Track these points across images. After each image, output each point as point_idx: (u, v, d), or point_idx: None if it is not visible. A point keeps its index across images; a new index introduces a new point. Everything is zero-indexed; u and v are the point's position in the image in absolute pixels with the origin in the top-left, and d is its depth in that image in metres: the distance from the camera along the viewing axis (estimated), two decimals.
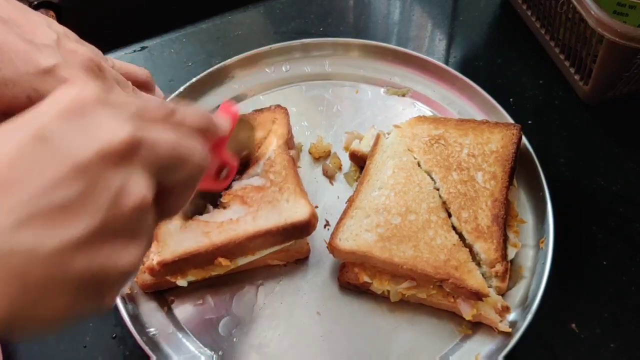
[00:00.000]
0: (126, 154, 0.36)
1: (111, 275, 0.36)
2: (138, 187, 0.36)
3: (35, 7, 1.09)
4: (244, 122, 0.62)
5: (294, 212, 0.67)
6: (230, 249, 0.66)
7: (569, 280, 0.72)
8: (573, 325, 0.69)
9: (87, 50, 0.56)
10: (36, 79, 0.50)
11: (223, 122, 0.50)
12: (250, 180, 0.71)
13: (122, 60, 0.91)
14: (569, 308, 0.70)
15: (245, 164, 0.71)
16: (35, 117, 0.35)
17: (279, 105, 0.80)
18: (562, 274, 0.70)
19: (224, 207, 0.68)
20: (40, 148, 0.33)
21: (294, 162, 0.75)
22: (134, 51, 0.94)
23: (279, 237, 0.67)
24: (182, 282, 0.67)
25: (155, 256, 0.65)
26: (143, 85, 0.65)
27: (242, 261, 0.68)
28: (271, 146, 0.74)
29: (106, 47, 0.85)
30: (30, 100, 0.50)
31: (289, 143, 0.76)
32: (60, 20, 1.09)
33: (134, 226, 0.37)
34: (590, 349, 0.68)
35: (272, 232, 0.66)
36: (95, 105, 0.36)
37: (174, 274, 0.67)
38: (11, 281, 0.31)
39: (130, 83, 0.62)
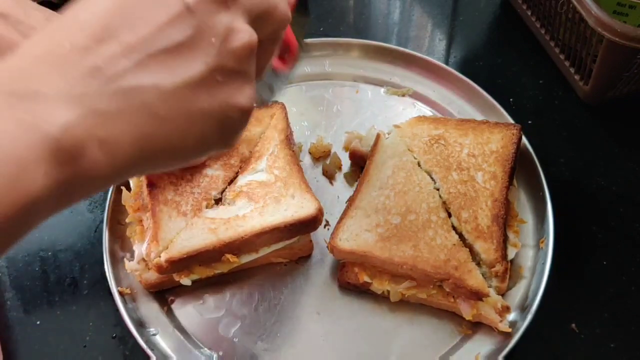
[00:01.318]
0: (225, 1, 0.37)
1: (232, 113, 0.38)
2: (241, 31, 0.38)
3: None
4: (302, 2, 0.62)
5: (301, 207, 0.67)
6: (238, 246, 0.66)
7: (569, 280, 0.72)
8: (573, 325, 0.69)
9: None
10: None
11: None
12: (255, 176, 0.71)
13: None
14: (569, 308, 0.70)
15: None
16: None
17: (275, 101, 0.80)
18: (562, 274, 0.70)
19: (230, 204, 0.69)
20: None
21: (297, 157, 0.75)
22: None
23: (285, 232, 0.67)
24: (185, 281, 0.67)
25: (163, 254, 0.65)
26: None
27: (245, 259, 0.68)
28: (273, 141, 0.74)
29: None
30: None
31: (290, 139, 0.76)
32: None
33: (245, 67, 0.38)
34: (590, 349, 0.68)
35: (279, 228, 0.66)
36: None
37: (181, 271, 0.67)
38: (140, 112, 0.33)
39: None
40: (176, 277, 0.67)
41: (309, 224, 0.68)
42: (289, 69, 0.63)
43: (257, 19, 0.40)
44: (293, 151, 0.75)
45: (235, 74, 0.38)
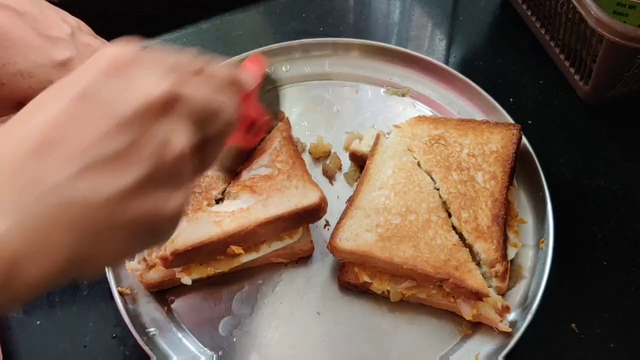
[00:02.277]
0: (166, 107, 0.38)
1: (160, 220, 0.38)
2: (179, 137, 0.39)
3: None
4: (269, 79, 0.63)
5: (304, 196, 0.68)
6: (242, 237, 0.66)
7: (569, 280, 0.72)
8: (573, 325, 0.69)
9: (100, 43, 0.57)
10: (52, 71, 0.51)
11: (249, 76, 0.53)
12: (258, 170, 0.71)
13: None
14: (569, 308, 0.70)
15: (276, 111, 0.71)
16: (78, 77, 0.37)
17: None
18: (562, 274, 0.71)
19: (234, 198, 0.69)
20: (87, 106, 0.36)
21: (299, 152, 0.75)
22: None
23: (290, 222, 0.67)
24: (186, 280, 0.67)
25: (168, 246, 0.65)
26: None
27: (246, 258, 0.68)
28: (276, 139, 0.74)
29: None
30: None
31: (292, 138, 0.77)
32: None
33: (178, 174, 0.39)
34: (590, 349, 0.68)
35: (283, 217, 0.66)
36: (133, 63, 0.39)
37: (186, 264, 0.67)
38: (71, 230, 0.34)
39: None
40: (177, 275, 0.67)
41: (313, 213, 0.68)
42: (256, 143, 0.65)
43: (200, 122, 0.41)
44: (296, 145, 0.75)
45: (167, 182, 0.38)
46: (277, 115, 0.72)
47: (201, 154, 0.42)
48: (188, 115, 0.40)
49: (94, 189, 0.35)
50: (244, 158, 0.71)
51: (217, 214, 0.67)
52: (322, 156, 0.80)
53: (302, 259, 0.72)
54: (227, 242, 0.66)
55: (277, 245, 0.69)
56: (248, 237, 0.67)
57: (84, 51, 0.55)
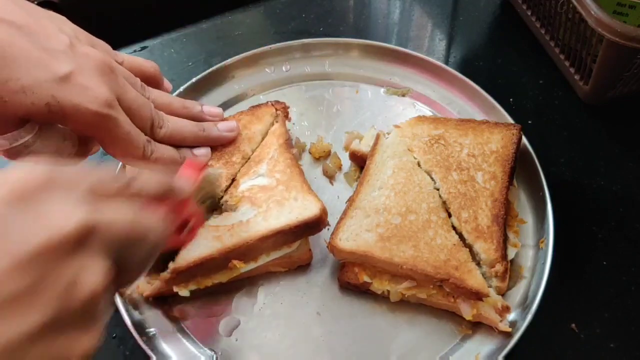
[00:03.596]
0: (79, 242, 0.34)
1: None
2: (92, 275, 0.35)
3: None
4: (209, 176, 0.62)
5: (304, 209, 0.67)
6: (244, 251, 0.66)
7: (569, 280, 0.72)
8: (573, 325, 0.69)
9: (98, 53, 0.56)
10: (54, 87, 0.50)
11: (184, 184, 0.49)
12: (256, 181, 0.70)
13: None
14: (569, 308, 0.70)
15: (212, 207, 0.69)
16: None
17: (277, 101, 0.80)
18: (562, 274, 0.71)
19: (233, 210, 0.68)
20: None
21: (296, 160, 0.75)
22: (134, 51, 0.94)
23: (291, 235, 0.67)
24: (184, 292, 0.66)
25: (170, 265, 0.64)
26: (151, 79, 0.67)
27: (244, 269, 0.67)
28: (273, 146, 0.74)
29: None
30: (49, 108, 0.50)
31: (288, 143, 0.76)
32: None
33: (88, 315, 0.35)
34: (590, 349, 0.68)
35: (284, 231, 0.66)
36: (43, 188, 0.34)
37: (188, 280, 0.66)
38: None
39: (138, 80, 0.63)
40: (175, 289, 0.66)
41: (314, 225, 0.67)
42: (188, 242, 0.62)
43: (120, 250, 0.38)
44: (293, 154, 0.74)
45: (75, 324, 0.35)
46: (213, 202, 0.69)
47: (122, 278, 0.39)
48: (105, 247, 0.36)
49: None
50: (172, 255, 0.67)
51: (216, 228, 0.66)
52: (322, 156, 0.80)
53: (303, 265, 0.72)
54: (229, 257, 0.65)
55: (275, 255, 0.69)
56: (249, 251, 0.66)
57: (84, 62, 0.54)
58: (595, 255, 0.74)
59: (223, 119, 0.74)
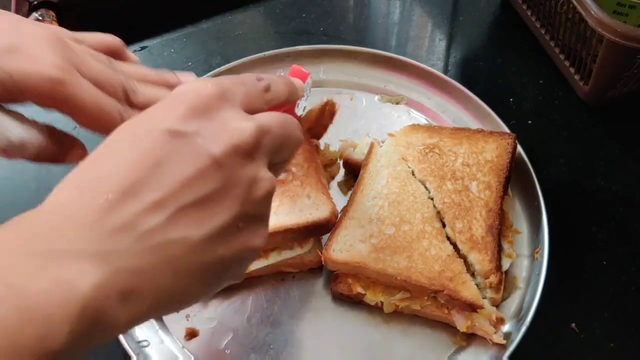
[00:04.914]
0: (254, 147, 0.39)
1: (247, 254, 0.40)
2: (266, 176, 0.40)
3: (35, 7, 1.09)
4: (311, 79, 0.63)
5: (316, 209, 0.66)
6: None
7: (568, 281, 0.72)
8: (573, 325, 0.69)
9: (51, 27, 0.56)
10: (1, 58, 0.49)
11: (299, 84, 0.54)
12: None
13: None
14: (569, 308, 0.70)
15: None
16: (165, 114, 0.38)
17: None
18: (562, 274, 0.71)
19: None
20: (178, 144, 0.36)
21: (317, 152, 0.74)
22: (134, 51, 0.94)
23: (298, 234, 0.66)
24: None
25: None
26: (116, 53, 0.65)
27: (255, 266, 0.67)
28: None
29: None
30: (1, 83, 0.50)
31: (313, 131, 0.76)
32: (60, 20, 1.09)
33: (264, 212, 0.41)
34: (590, 349, 0.68)
35: (292, 229, 0.65)
36: (216, 102, 0.39)
37: None
38: (165, 267, 0.34)
39: (103, 55, 0.61)
40: None
41: (323, 227, 0.67)
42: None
43: (276, 151, 0.42)
44: (313, 146, 0.73)
45: (255, 219, 0.39)
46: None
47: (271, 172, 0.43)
48: (271, 150, 0.41)
49: (187, 232, 0.35)
50: None
51: None
52: (328, 164, 0.79)
53: (314, 268, 0.71)
54: None
55: (287, 254, 0.68)
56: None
57: (31, 35, 0.53)
58: (595, 255, 0.74)
59: None
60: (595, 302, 0.71)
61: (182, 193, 0.35)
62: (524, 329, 0.62)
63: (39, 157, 0.56)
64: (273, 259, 0.68)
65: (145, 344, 0.65)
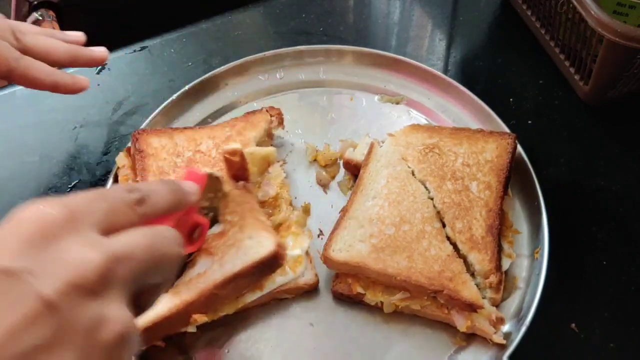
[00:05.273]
0: (100, 282, 0.33)
1: None
2: (117, 314, 0.34)
3: (35, 7, 1.09)
4: (212, 179, 0.60)
5: (259, 247, 0.62)
6: (203, 303, 0.62)
7: (568, 281, 0.72)
8: (573, 325, 0.69)
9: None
10: None
11: (193, 189, 0.49)
12: (211, 230, 0.66)
13: (123, 65, 0.92)
14: (569, 308, 0.70)
15: (214, 220, 0.66)
16: None
17: (272, 107, 0.80)
18: (562, 274, 0.71)
19: (192, 266, 0.64)
20: (6, 286, 0.31)
21: (248, 191, 0.69)
22: (134, 51, 0.94)
23: (251, 277, 0.63)
24: (191, 328, 0.65)
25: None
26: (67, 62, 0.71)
27: (250, 298, 0.66)
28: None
29: (106, 47, 0.84)
30: None
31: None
32: (61, 20, 1.09)
33: (117, 354, 0.34)
34: (590, 349, 0.68)
35: (240, 274, 0.62)
36: (63, 228, 0.34)
37: (153, 339, 0.63)
38: None
39: (28, 27, 0.67)
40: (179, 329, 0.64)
41: (272, 262, 0.63)
42: (198, 246, 0.61)
43: (140, 278, 0.37)
44: (243, 186, 0.69)
45: None
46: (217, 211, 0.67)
47: (141, 301, 0.39)
48: (128, 279, 0.35)
49: None
50: (185, 262, 0.65)
51: (175, 286, 0.62)
52: (328, 164, 0.79)
53: (310, 290, 0.70)
54: (188, 311, 0.62)
55: (280, 281, 0.67)
56: (209, 302, 0.62)
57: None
58: (595, 255, 0.74)
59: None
60: (595, 302, 0.71)
61: (8, 344, 0.30)
62: (524, 329, 0.63)
63: None
64: (267, 288, 0.66)
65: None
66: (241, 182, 0.70)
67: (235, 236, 0.64)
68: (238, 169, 0.68)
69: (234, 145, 0.66)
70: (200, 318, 0.64)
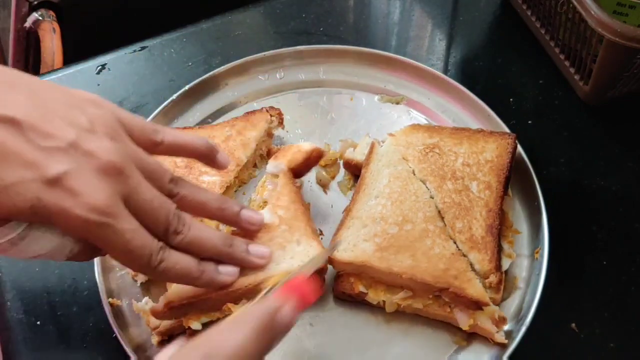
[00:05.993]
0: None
1: None
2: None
3: (35, 7, 1.09)
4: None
5: (307, 256, 0.63)
6: (240, 295, 0.62)
7: (569, 281, 0.72)
8: (573, 325, 0.69)
9: (108, 151, 0.50)
10: (41, 188, 0.46)
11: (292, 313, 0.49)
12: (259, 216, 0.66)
13: (123, 65, 0.91)
14: (569, 308, 0.70)
15: None
16: None
17: (272, 107, 0.79)
18: (562, 274, 0.71)
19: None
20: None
21: (299, 192, 0.71)
22: (134, 51, 0.94)
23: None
24: (196, 324, 0.64)
25: (161, 298, 0.62)
26: (203, 157, 0.61)
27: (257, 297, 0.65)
28: (275, 170, 0.71)
29: (106, 47, 0.85)
30: (33, 210, 0.46)
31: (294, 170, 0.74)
32: (61, 20, 1.09)
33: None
34: (590, 349, 0.68)
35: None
36: None
37: (178, 317, 0.63)
38: None
39: (168, 173, 0.56)
40: (185, 323, 0.64)
41: (315, 274, 0.62)
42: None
43: None
44: (297, 186, 0.71)
45: None
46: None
47: None
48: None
49: None
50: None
51: None
52: (328, 164, 0.79)
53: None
54: (223, 300, 0.62)
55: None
56: (245, 295, 0.62)
57: (83, 164, 0.48)
58: (595, 255, 0.74)
59: (257, 241, 0.65)
60: (595, 302, 0.71)
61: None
62: (524, 329, 0.63)
63: (71, 259, 0.54)
64: (273, 290, 0.65)
65: (146, 344, 0.66)
66: (297, 181, 0.72)
67: (284, 235, 0.64)
68: (306, 165, 0.70)
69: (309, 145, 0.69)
70: (234, 307, 0.62)
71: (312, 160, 0.73)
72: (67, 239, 0.51)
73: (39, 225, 0.50)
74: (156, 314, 0.62)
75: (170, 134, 0.58)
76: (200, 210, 0.59)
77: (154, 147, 0.56)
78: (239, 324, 0.45)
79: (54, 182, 0.47)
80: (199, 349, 0.43)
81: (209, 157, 0.61)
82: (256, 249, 0.62)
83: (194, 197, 0.58)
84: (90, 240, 0.50)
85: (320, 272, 0.64)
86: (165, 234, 0.54)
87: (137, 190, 0.51)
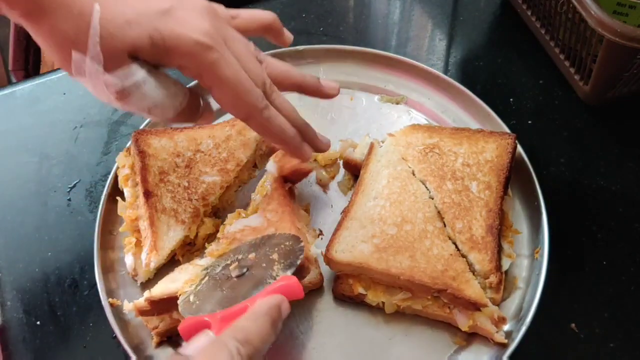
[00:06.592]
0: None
1: None
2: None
3: None
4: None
5: None
6: None
7: (569, 280, 0.72)
8: (573, 325, 0.69)
9: (204, 1, 0.57)
10: (157, 19, 0.52)
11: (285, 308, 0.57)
12: (249, 221, 0.68)
13: None
14: (569, 308, 0.70)
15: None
16: None
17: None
18: (562, 274, 0.71)
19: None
20: None
21: (292, 196, 0.72)
22: None
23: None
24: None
25: (145, 292, 0.62)
26: (269, 29, 0.66)
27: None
28: (268, 180, 0.72)
29: None
30: (152, 40, 0.52)
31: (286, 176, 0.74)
32: None
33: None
34: (590, 349, 0.68)
35: None
36: None
37: (161, 313, 0.64)
38: None
39: (252, 44, 0.62)
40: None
41: (298, 270, 0.63)
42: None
43: None
44: (287, 190, 0.72)
45: None
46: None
47: None
48: None
49: None
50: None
51: (201, 267, 0.64)
52: (328, 164, 0.79)
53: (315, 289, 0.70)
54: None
55: None
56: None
57: (186, 2, 0.55)
58: (595, 255, 0.74)
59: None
60: (595, 302, 0.71)
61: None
62: (524, 328, 0.63)
63: (176, 119, 0.58)
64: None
65: (145, 344, 0.66)
66: (288, 184, 0.72)
67: None
68: (300, 174, 0.72)
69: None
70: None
71: (299, 174, 0.74)
72: (179, 88, 0.56)
73: (157, 73, 0.54)
74: (140, 310, 0.63)
75: (245, 11, 0.64)
76: (285, 77, 0.63)
77: (231, 20, 0.62)
78: (258, 316, 0.53)
79: (166, 13, 0.53)
80: (236, 335, 0.50)
81: (273, 29, 0.66)
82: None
83: (278, 64, 0.63)
84: (200, 72, 0.55)
85: (300, 272, 0.64)
86: (264, 90, 0.58)
87: (232, 37, 0.57)
